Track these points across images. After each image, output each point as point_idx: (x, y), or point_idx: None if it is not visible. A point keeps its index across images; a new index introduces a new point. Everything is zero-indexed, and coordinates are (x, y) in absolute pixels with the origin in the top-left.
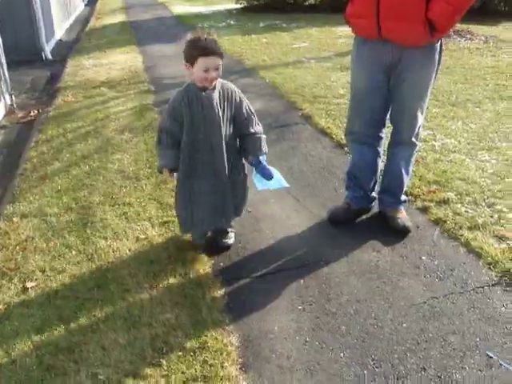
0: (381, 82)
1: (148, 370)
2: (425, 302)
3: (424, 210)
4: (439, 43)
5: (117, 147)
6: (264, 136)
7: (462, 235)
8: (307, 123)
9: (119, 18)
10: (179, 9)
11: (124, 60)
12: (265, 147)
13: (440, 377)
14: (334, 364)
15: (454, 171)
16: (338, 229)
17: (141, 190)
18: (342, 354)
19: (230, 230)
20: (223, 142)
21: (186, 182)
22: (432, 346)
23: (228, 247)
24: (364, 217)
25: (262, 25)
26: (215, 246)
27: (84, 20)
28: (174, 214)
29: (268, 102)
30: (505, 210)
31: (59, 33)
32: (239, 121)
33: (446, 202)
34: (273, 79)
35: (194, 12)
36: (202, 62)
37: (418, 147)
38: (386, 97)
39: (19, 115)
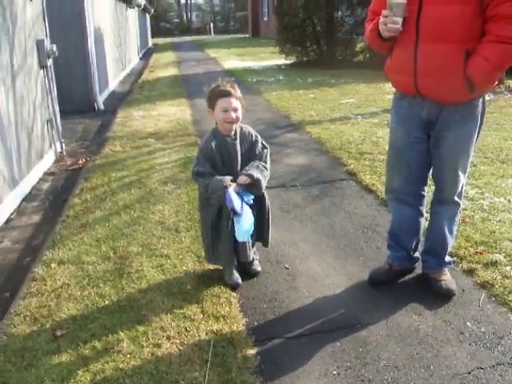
0: (419, 138)
1: None
2: (469, 373)
3: (470, 272)
4: (481, 99)
5: (159, 198)
6: (266, 171)
7: (511, 301)
8: (352, 180)
9: (171, 71)
10: (230, 64)
11: (173, 112)
12: (259, 175)
13: None
14: None
15: (502, 231)
16: (378, 290)
17: (179, 242)
18: None
19: (255, 257)
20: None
21: (217, 220)
22: None
23: (257, 273)
24: (406, 278)
25: (310, 80)
26: (246, 274)
27: (138, 73)
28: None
29: (313, 157)
30: None
31: (113, 84)
32: (252, 157)
33: (493, 264)
34: (319, 134)
35: (245, 67)
36: (220, 104)
37: (461, 207)
38: (425, 154)
39: (68, 162)
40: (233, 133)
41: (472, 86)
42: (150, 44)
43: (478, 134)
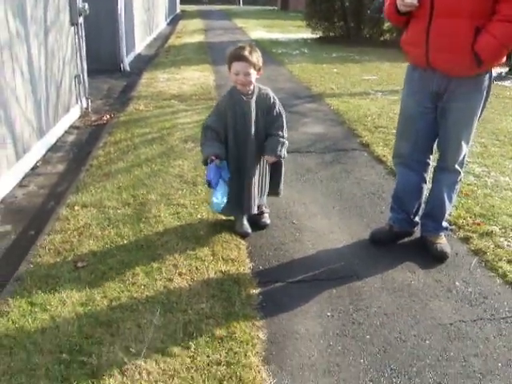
0: (428, 108)
1: (176, 350)
2: (451, 324)
3: (466, 239)
4: (488, 75)
5: (179, 154)
6: (286, 141)
7: (500, 267)
8: (364, 150)
9: (198, 38)
10: (257, 34)
11: (197, 77)
12: (283, 152)
13: None
14: (352, 368)
15: (502, 207)
16: (378, 249)
17: (195, 194)
18: (361, 360)
19: (266, 211)
20: (254, 138)
21: (233, 173)
22: (452, 364)
23: (266, 225)
24: (406, 240)
25: (334, 55)
26: (256, 226)
27: (164, 37)
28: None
29: (329, 127)
30: None
31: (140, 47)
32: (269, 120)
33: (488, 234)
34: (337, 106)
35: (271, 38)
36: (234, 66)
37: (461, 175)
38: (433, 123)
39: (92, 118)
40: (250, 92)
41: (479, 61)
42: (178, 10)
43: (483, 108)
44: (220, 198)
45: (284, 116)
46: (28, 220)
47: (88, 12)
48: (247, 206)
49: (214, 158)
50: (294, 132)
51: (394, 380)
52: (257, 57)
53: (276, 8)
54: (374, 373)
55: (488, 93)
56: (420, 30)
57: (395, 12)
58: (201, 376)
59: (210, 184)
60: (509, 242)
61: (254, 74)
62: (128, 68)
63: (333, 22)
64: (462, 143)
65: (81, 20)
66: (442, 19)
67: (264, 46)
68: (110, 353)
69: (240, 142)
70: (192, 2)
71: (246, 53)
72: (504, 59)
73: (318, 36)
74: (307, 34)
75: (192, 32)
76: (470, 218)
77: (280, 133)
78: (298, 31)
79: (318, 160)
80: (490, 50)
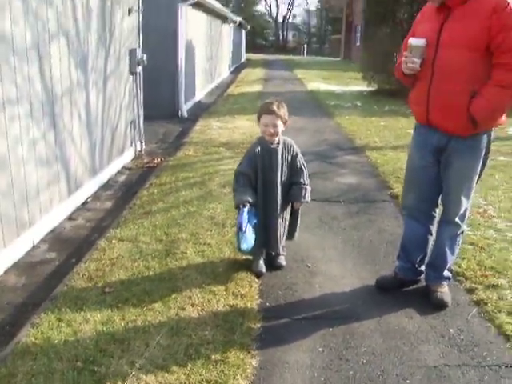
0: (430, 162)
1: (175, 368)
2: (435, 367)
3: (471, 290)
4: (486, 135)
5: (215, 198)
6: (309, 188)
7: (497, 318)
8: (392, 201)
9: (256, 87)
10: (313, 85)
11: (248, 126)
12: (308, 197)
13: None
14: None
15: None
16: (382, 294)
17: (222, 235)
18: None
19: (282, 253)
20: (279, 184)
21: (262, 213)
22: None
23: (282, 267)
24: (410, 287)
25: (386, 108)
26: (272, 267)
27: (225, 86)
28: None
29: (363, 178)
30: None
31: (200, 95)
32: (293, 169)
33: (494, 286)
34: (375, 159)
35: (327, 90)
36: (263, 119)
37: (463, 228)
38: (436, 177)
39: (145, 160)
40: (276, 142)
41: (475, 122)
42: (243, 59)
43: (483, 166)
44: (248, 241)
45: (305, 166)
46: (72, 249)
47: (146, 63)
48: (274, 245)
49: (246, 204)
50: (328, 182)
51: None
52: (283, 111)
53: (339, 59)
54: None
55: (487, 152)
56: (422, 90)
57: (402, 74)
58: None
59: (240, 228)
60: None
61: (280, 126)
62: (186, 114)
63: (389, 74)
64: (462, 198)
65: (139, 69)
66: (440, 82)
67: (318, 98)
68: (117, 365)
69: (267, 186)
70: (259, 51)
71: (275, 107)
72: (503, 120)
73: (373, 89)
74: (363, 87)
75: (252, 81)
76: (480, 270)
77: (303, 180)
78: (355, 83)
79: (344, 209)
80: (484, 112)
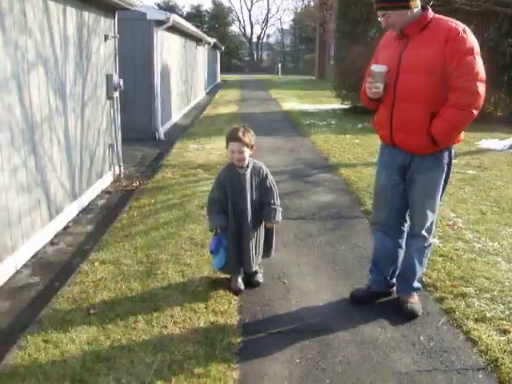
0: (397, 181)
1: (159, 383)
2: (407, 373)
3: (440, 300)
4: (447, 152)
5: (193, 219)
6: (280, 209)
7: (465, 325)
8: (366, 218)
9: (232, 108)
10: (288, 105)
11: (224, 147)
12: (278, 217)
13: None
14: None
15: (482, 270)
16: (356, 307)
17: (201, 255)
18: None
19: (259, 271)
20: (249, 206)
21: (233, 236)
22: None
23: (259, 284)
24: (383, 299)
25: (359, 126)
26: (250, 284)
27: (201, 107)
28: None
29: (337, 196)
30: None
31: (176, 117)
32: (263, 191)
33: (463, 295)
34: (349, 176)
35: (301, 109)
36: (230, 146)
37: (430, 241)
38: (403, 194)
39: (124, 184)
40: (245, 165)
41: (434, 141)
42: (218, 80)
43: (446, 180)
44: (220, 261)
45: (276, 187)
46: (54, 273)
47: (123, 87)
48: (248, 264)
49: (219, 230)
50: (304, 200)
51: None
52: (249, 137)
53: (313, 77)
54: None
55: (449, 168)
56: (385, 113)
57: (367, 98)
58: None
59: (211, 251)
60: (480, 302)
61: (247, 152)
62: (163, 137)
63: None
64: (428, 212)
65: (116, 94)
66: (402, 104)
67: (293, 117)
68: (104, 383)
69: (238, 209)
70: (234, 71)
71: (240, 134)
72: (461, 138)
73: (347, 106)
74: (338, 105)
75: (228, 102)
76: (449, 280)
77: (274, 201)
78: (330, 102)
79: (319, 226)
80: (443, 132)
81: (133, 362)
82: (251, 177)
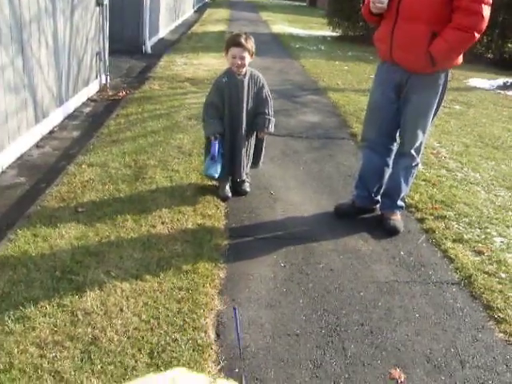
0: (391, 98)
1: (148, 277)
2: (386, 282)
3: (421, 220)
4: (444, 74)
5: (181, 129)
6: (273, 119)
7: (444, 244)
8: (352, 140)
9: (220, 27)
10: (279, 28)
11: (212, 63)
12: (271, 127)
13: (372, 332)
14: (291, 305)
15: (463, 197)
16: (340, 220)
17: (189, 163)
18: (300, 301)
19: (247, 180)
20: (245, 114)
21: (227, 143)
22: (377, 311)
23: (246, 193)
24: (367, 215)
25: (349, 54)
26: (237, 193)
27: (189, 24)
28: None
29: (325, 117)
30: (493, 233)
31: (163, 32)
32: (259, 100)
33: (443, 217)
34: (337, 100)
35: (292, 33)
36: (231, 51)
37: (417, 161)
38: (396, 113)
39: (110, 93)
40: (243, 73)
41: (433, 61)
42: None
43: (439, 102)
44: (218, 169)
45: (270, 98)
46: (41, 175)
47: None
48: (238, 171)
49: (217, 135)
50: (292, 119)
51: (324, 318)
52: (251, 43)
53: (305, 4)
54: (308, 311)
55: (444, 90)
56: (387, 29)
57: (369, 12)
58: (164, 296)
59: (213, 157)
60: (459, 225)
61: (248, 58)
62: (150, 50)
63: (354, 21)
64: (418, 131)
65: (106, 1)
66: (404, 22)
67: (283, 40)
68: (93, 274)
69: (234, 116)
70: None
71: (242, 40)
72: (459, 61)
73: (338, 34)
74: (328, 32)
75: (217, 21)
76: (430, 203)
77: (268, 111)
78: (320, 28)
79: (306, 144)
80: (442, 52)
81: (121, 257)
82: (248, 84)
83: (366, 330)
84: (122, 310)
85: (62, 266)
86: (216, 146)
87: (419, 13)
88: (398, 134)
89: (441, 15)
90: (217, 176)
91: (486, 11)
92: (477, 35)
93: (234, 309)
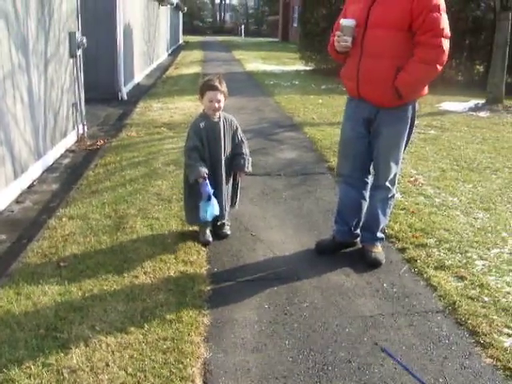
0: (362, 133)
1: (132, 329)
2: (371, 316)
3: (402, 250)
4: (411, 106)
5: (160, 175)
6: (250, 159)
7: (426, 272)
8: (329, 174)
9: (195, 69)
10: (252, 66)
11: (188, 107)
12: (250, 167)
13: (359, 368)
14: (277, 347)
15: (442, 223)
16: (322, 257)
17: (169, 210)
18: (286, 342)
19: (227, 223)
20: (223, 156)
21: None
22: (363, 346)
23: (227, 236)
24: (348, 250)
25: (323, 87)
26: (218, 236)
27: (164, 68)
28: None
29: (302, 153)
30: (474, 257)
31: (139, 77)
32: (234, 142)
33: (423, 245)
34: (313, 135)
35: (265, 70)
36: (208, 95)
37: (393, 192)
38: (367, 147)
39: (88, 143)
40: (217, 116)
41: (399, 94)
42: (180, 41)
43: (409, 134)
44: (215, 209)
45: (245, 139)
46: (22, 230)
47: (86, 45)
48: (221, 213)
49: (205, 176)
50: (269, 157)
51: (311, 358)
52: (224, 86)
53: (277, 39)
54: (295, 352)
55: (413, 120)
56: (352, 66)
57: (335, 51)
58: (149, 348)
59: (209, 197)
60: (440, 252)
61: (223, 101)
62: (125, 97)
63: (325, 55)
64: (391, 164)
65: (79, 52)
66: (369, 59)
67: (257, 78)
68: (78, 330)
69: (213, 159)
70: (196, 33)
71: (217, 83)
72: (425, 92)
73: (311, 68)
74: (301, 66)
75: (191, 63)
76: (410, 232)
77: (245, 151)
78: (293, 63)
79: (285, 182)
80: (407, 85)
81: (105, 310)
82: (224, 127)
83: (354, 366)
84: (107, 364)
85: (46, 323)
86: (208, 186)
87: (382, 49)
88: (371, 166)
89: (403, 50)
90: (213, 217)
91: (446, 44)
92: (439, 67)
93: (384, 350)
